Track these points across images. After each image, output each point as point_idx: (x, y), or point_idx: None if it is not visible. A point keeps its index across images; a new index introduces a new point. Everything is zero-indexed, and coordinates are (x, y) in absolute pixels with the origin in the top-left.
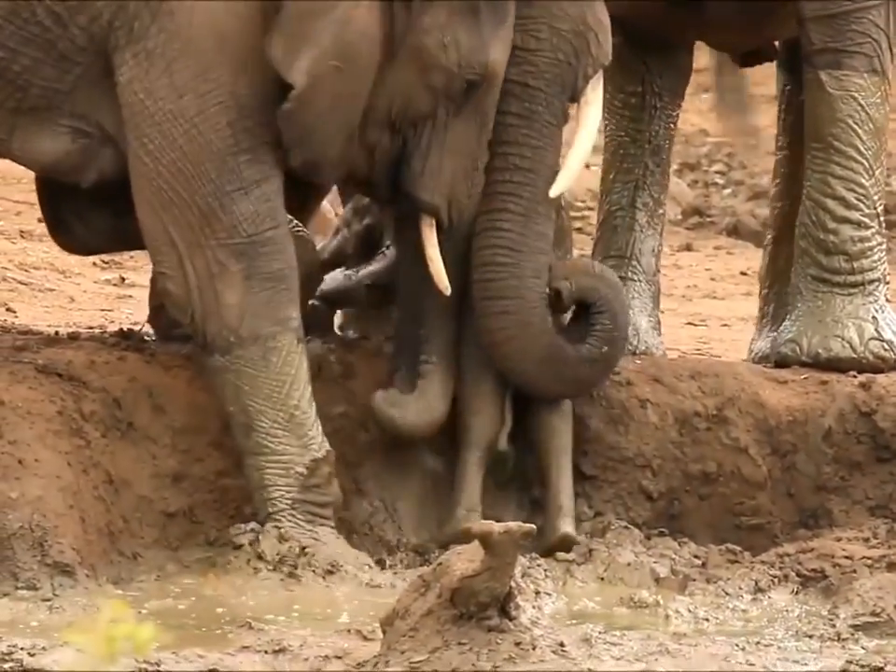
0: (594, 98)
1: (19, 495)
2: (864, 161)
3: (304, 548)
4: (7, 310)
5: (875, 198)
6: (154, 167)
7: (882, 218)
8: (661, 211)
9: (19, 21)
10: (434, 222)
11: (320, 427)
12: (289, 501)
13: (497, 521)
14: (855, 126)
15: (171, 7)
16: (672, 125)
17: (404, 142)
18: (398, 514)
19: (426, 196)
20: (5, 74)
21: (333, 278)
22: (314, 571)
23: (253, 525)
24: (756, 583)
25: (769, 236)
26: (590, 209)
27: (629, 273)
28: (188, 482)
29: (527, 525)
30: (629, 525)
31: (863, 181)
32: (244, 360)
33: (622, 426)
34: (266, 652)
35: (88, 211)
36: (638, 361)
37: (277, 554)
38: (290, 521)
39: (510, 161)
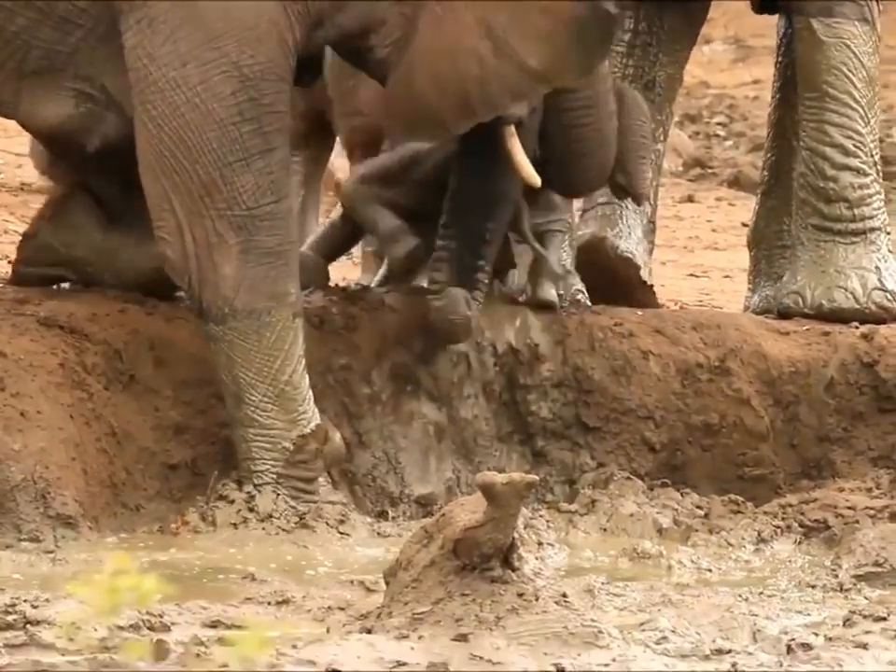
0: None
1: (21, 447)
2: (860, 109)
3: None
4: (9, 262)
5: (872, 146)
6: (157, 134)
7: (879, 167)
8: (655, 147)
9: None
10: (513, 128)
11: (312, 403)
12: (274, 475)
13: (500, 472)
14: (849, 74)
15: None
16: (672, 68)
17: None
18: (400, 466)
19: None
20: (2, 33)
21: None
22: (326, 523)
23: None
24: (759, 534)
25: (760, 188)
26: None
27: (619, 204)
28: (190, 434)
29: (530, 476)
30: (632, 476)
31: (860, 128)
32: (237, 332)
33: (624, 377)
34: (269, 604)
35: (96, 180)
36: (640, 313)
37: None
38: (270, 495)
39: None
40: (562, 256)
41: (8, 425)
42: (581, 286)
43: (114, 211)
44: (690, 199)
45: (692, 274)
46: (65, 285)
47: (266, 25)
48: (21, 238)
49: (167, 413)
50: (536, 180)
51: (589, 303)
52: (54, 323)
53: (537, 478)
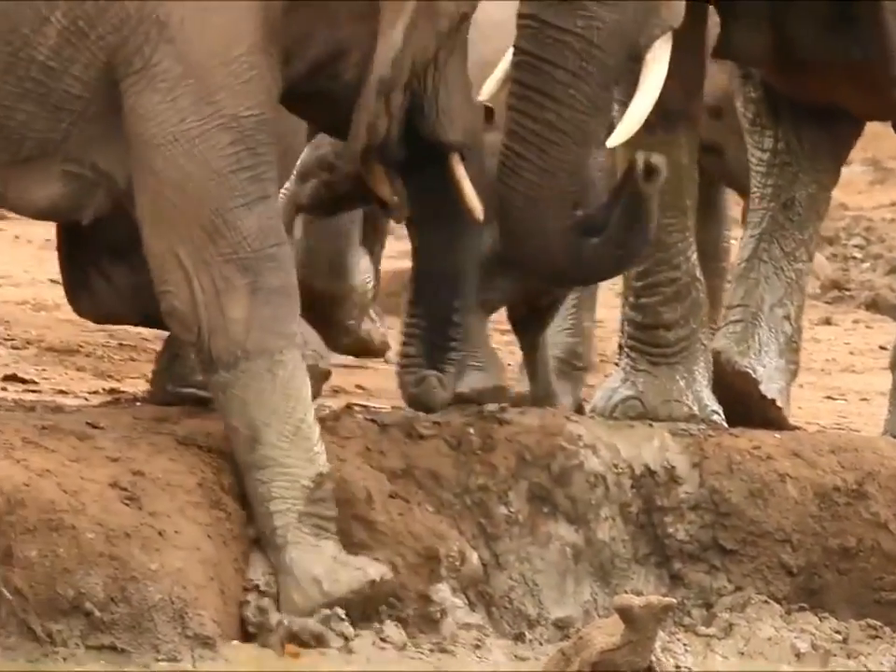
0: (661, 55)
1: (159, 566)
2: None
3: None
4: (148, 380)
5: None
6: (159, 189)
7: None
8: (796, 266)
9: (14, 78)
10: (459, 157)
11: (323, 445)
12: (295, 514)
13: (637, 595)
14: None
15: (171, 34)
16: (814, 187)
17: (411, 94)
18: (537, 588)
19: (448, 136)
20: (1, 130)
21: None
22: (463, 647)
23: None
24: None
25: None
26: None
27: (752, 322)
28: None
29: (667, 599)
30: (769, 600)
31: None
32: (250, 374)
33: (761, 500)
34: None
35: (108, 265)
36: (778, 436)
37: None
38: (296, 533)
39: (547, 117)
40: (703, 373)
41: (146, 544)
42: (716, 406)
43: None
44: (827, 321)
45: (829, 397)
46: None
47: (257, 77)
48: (164, 353)
49: None
50: (478, 212)
51: (725, 424)
52: (192, 442)
53: (674, 601)
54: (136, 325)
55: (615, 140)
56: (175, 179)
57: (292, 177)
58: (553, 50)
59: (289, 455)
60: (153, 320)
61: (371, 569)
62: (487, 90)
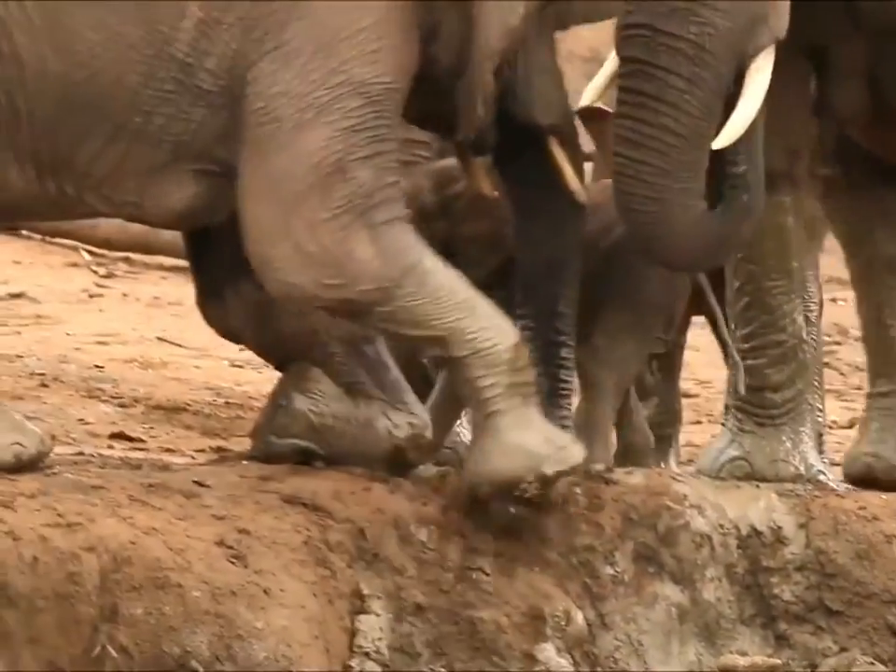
0: (765, 65)
1: (264, 625)
2: None
3: None
4: (251, 436)
5: None
6: (277, 162)
7: None
8: None
9: (155, 81)
10: (558, 141)
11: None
12: (504, 386)
13: (742, 655)
14: None
15: (302, 12)
16: None
17: (503, 80)
18: (643, 648)
19: (545, 119)
20: (142, 137)
21: None
22: None
23: None
24: None
25: None
26: (837, 344)
27: None
28: (432, 612)
29: (772, 660)
30: (875, 662)
31: None
32: (406, 298)
33: (868, 561)
34: None
35: (240, 277)
36: (884, 496)
37: None
38: (506, 403)
39: (664, 122)
40: (810, 434)
41: (251, 602)
42: (822, 466)
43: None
44: None
45: None
46: (318, 463)
47: (387, 47)
48: (268, 406)
49: (410, 591)
50: (581, 194)
51: (832, 484)
52: (298, 500)
53: (779, 662)
54: (253, 349)
55: (721, 142)
56: (299, 149)
57: None
58: (666, 57)
59: (481, 335)
60: (266, 348)
61: (575, 451)
62: (588, 97)
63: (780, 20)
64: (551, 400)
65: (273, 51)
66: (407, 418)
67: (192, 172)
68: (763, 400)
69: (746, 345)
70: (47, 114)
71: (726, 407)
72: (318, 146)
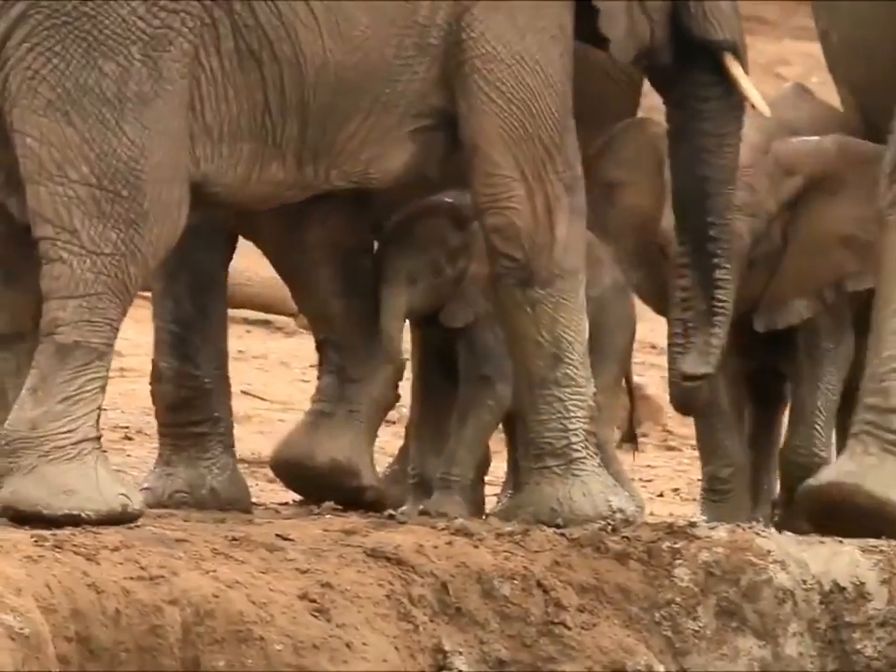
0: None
1: None
2: None
3: None
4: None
5: None
6: (507, 107)
7: None
8: None
9: (403, 50)
10: (734, 57)
11: None
12: (584, 432)
13: None
14: None
15: None
16: None
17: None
18: None
19: (719, 34)
20: (386, 107)
21: None
22: None
23: None
24: None
25: None
26: None
27: None
28: (515, 667)
29: None
30: None
31: None
32: (563, 293)
33: None
34: None
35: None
36: None
37: None
38: (584, 451)
39: None
40: None
41: (334, 656)
42: None
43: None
44: None
45: None
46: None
47: None
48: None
49: (492, 645)
50: (764, 107)
51: None
52: (381, 554)
53: None
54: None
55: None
56: (521, 97)
57: (401, 277)
58: None
59: (582, 375)
60: None
61: (635, 502)
62: None
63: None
64: (705, 319)
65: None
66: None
67: (411, 132)
68: (892, 424)
69: (882, 369)
70: (322, 103)
71: (842, 429)
72: (540, 104)
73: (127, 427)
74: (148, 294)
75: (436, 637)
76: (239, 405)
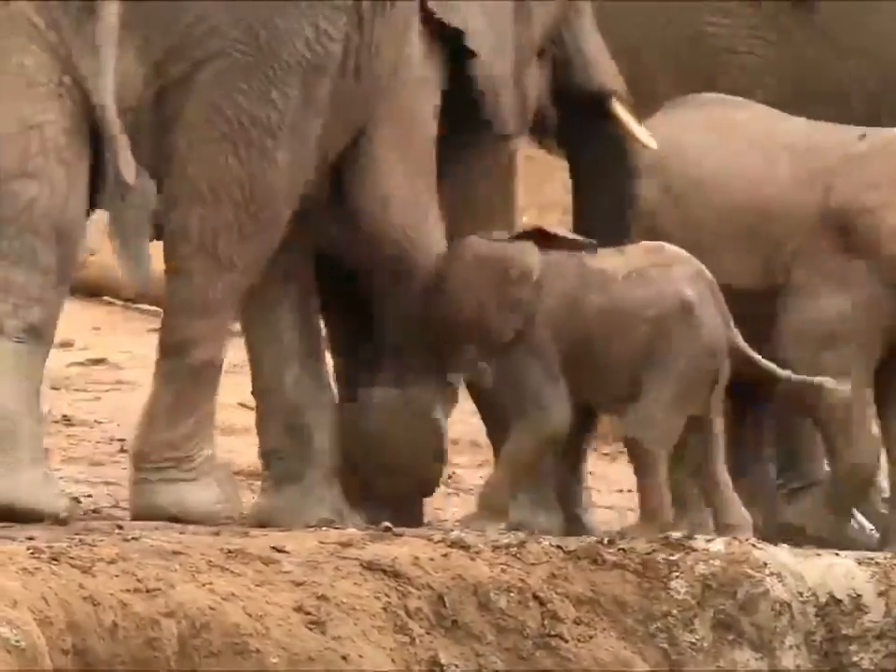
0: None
1: None
2: None
3: None
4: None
5: None
6: None
7: None
8: None
9: None
10: (619, 102)
11: None
12: None
13: None
14: None
15: None
16: None
17: (551, 58)
18: None
19: (602, 81)
20: None
21: None
22: None
23: None
24: None
25: None
26: None
27: None
28: None
29: None
30: None
31: None
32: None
33: None
34: None
35: None
36: None
37: None
38: None
39: None
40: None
41: (330, 668)
42: None
43: None
44: None
45: None
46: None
47: None
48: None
49: (489, 658)
50: (652, 144)
51: None
52: (377, 567)
53: None
54: None
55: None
56: None
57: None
58: None
59: None
60: None
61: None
62: None
63: None
64: None
65: None
66: None
67: None
68: None
69: None
70: None
71: None
72: None
73: (122, 440)
74: (146, 306)
75: (432, 649)
76: (236, 418)
